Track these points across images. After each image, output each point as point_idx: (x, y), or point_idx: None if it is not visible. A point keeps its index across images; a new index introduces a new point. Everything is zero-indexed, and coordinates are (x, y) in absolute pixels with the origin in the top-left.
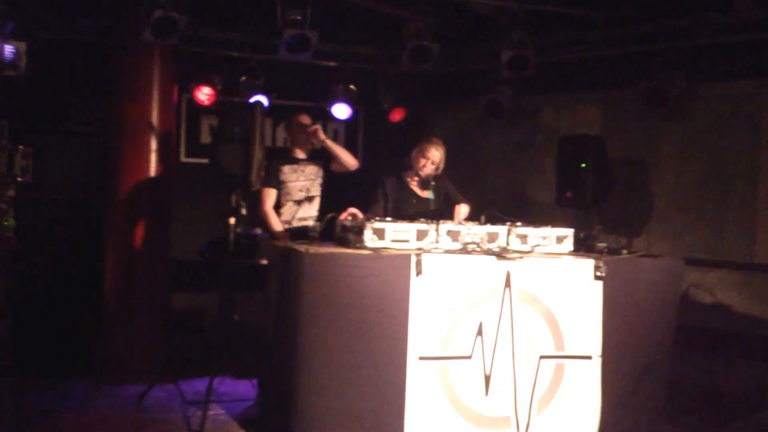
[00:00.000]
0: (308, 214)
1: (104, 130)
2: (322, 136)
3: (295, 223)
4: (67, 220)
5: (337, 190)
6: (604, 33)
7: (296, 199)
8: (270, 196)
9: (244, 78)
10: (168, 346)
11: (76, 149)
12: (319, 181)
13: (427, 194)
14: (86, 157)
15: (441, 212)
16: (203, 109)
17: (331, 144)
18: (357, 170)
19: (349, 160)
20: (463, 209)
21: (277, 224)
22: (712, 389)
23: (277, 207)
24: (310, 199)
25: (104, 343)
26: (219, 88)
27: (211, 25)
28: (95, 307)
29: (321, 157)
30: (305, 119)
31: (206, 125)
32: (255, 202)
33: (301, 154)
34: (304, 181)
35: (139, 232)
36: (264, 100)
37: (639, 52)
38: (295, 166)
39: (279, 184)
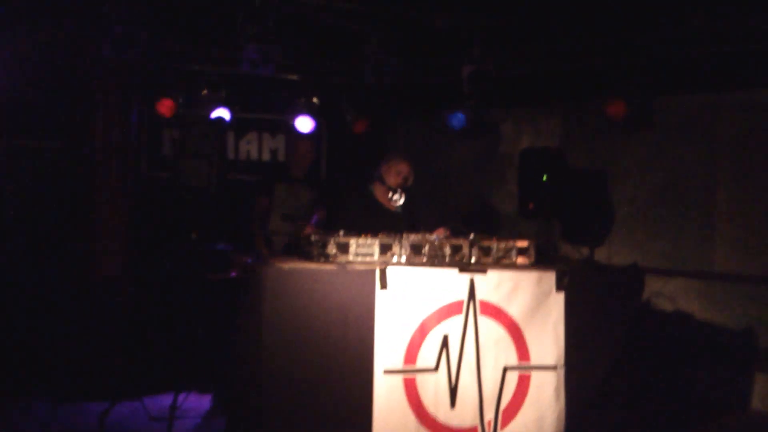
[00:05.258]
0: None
1: (70, 144)
2: None
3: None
4: (33, 235)
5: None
6: (563, 47)
7: (283, 212)
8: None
9: (205, 91)
10: (132, 362)
11: (44, 163)
12: (309, 206)
13: (396, 208)
14: (55, 171)
15: (415, 226)
16: (165, 122)
17: None
18: (321, 183)
19: None
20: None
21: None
22: (674, 396)
23: (265, 219)
24: (294, 219)
25: (66, 361)
26: (180, 101)
27: (172, 39)
28: (56, 324)
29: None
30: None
31: (168, 138)
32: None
33: (297, 175)
34: (293, 202)
35: (103, 246)
36: (226, 113)
37: (597, 65)
38: (288, 186)
39: (271, 198)
